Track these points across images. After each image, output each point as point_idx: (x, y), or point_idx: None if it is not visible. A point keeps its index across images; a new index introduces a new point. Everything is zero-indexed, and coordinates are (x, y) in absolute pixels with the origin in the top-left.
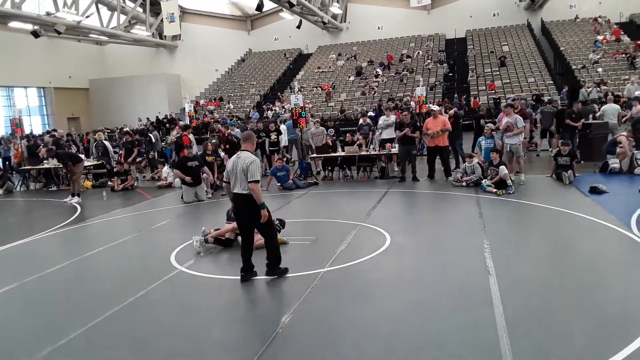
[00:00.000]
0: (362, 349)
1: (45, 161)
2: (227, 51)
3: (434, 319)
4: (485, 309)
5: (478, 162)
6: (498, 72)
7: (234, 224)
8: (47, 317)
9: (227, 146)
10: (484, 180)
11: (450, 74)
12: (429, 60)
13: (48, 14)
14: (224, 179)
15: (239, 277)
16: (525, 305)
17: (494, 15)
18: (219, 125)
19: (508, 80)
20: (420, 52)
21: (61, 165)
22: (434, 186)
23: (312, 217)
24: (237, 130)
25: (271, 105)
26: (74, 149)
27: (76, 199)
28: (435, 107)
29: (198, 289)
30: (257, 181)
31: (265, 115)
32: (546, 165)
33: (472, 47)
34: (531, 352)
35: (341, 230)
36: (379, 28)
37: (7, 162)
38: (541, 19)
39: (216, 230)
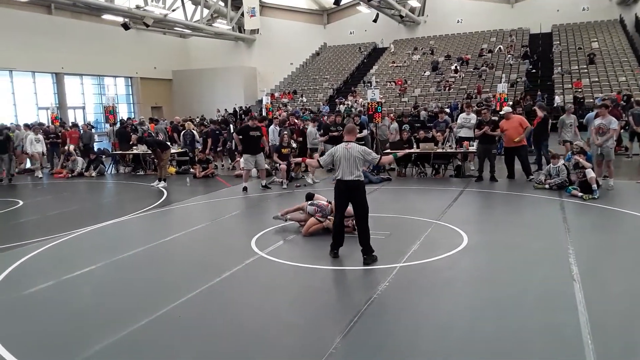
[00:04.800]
0: (440, 340)
1: (134, 147)
2: (303, 45)
3: (513, 318)
4: (569, 313)
5: (564, 164)
6: (586, 70)
7: (312, 220)
8: (140, 292)
9: (300, 138)
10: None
11: (534, 71)
12: (509, 56)
13: (138, 7)
14: (321, 165)
15: (317, 266)
16: (612, 312)
17: (584, 9)
18: (295, 118)
19: (596, 79)
20: (502, 47)
21: (150, 152)
22: (514, 187)
23: (385, 213)
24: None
25: (343, 100)
26: (161, 137)
27: (162, 183)
28: (506, 109)
29: (278, 274)
30: (379, 157)
31: (337, 109)
32: (636, 171)
33: (558, 42)
34: (617, 358)
35: (416, 227)
36: (458, 22)
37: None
38: (635, 14)
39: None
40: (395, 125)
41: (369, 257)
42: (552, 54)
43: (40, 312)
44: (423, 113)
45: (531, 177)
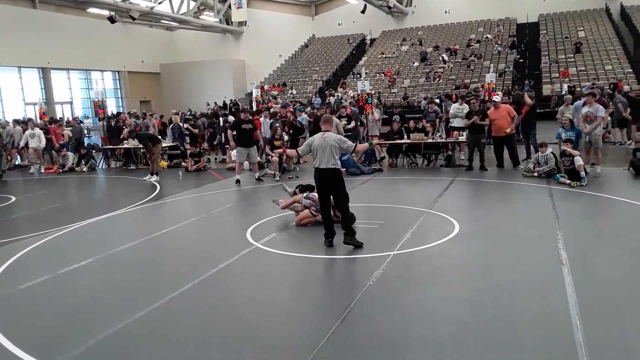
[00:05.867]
0: (433, 327)
1: (125, 141)
2: (291, 37)
3: (505, 304)
4: (559, 298)
5: (552, 152)
6: (573, 59)
7: (306, 212)
8: (137, 284)
9: (291, 131)
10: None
11: (521, 60)
12: (497, 46)
13: (124, 0)
14: (300, 155)
15: (313, 255)
16: (600, 296)
17: None
18: (287, 111)
19: (583, 68)
20: (489, 36)
21: (141, 146)
22: (503, 176)
23: (378, 203)
24: (304, 115)
25: (333, 91)
26: (151, 131)
27: (155, 177)
28: (496, 97)
29: (274, 265)
30: (355, 145)
31: (327, 101)
32: (622, 158)
33: (545, 32)
34: (605, 341)
35: (408, 216)
36: (446, 12)
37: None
38: (620, 3)
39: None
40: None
41: (348, 236)
42: (539, 44)
43: (36, 307)
44: (423, 102)
45: (519, 165)
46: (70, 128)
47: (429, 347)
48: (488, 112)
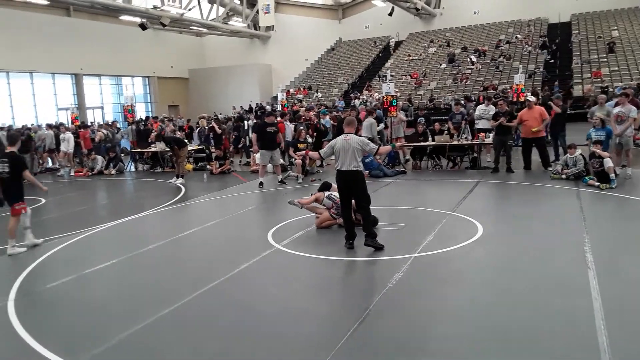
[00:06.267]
0: (453, 329)
1: (152, 145)
2: (318, 41)
3: (526, 306)
4: (582, 300)
5: (581, 154)
6: (605, 59)
7: (326, 214)
8: (161, 284)
9: (315, 134)
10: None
11: (552, 61)
12: (527, 46)
13: (155, 7)
14: (322, 157)
15: (333, 257)
16: (626, 300)
17: None
18: (310, 114)
19: (616, 68)
20: (519, 37)
21: (168, 149)
22: (530, 178)
23: (400, 205)
24: (327, 119)
25: (359, 94)
26: (178, 134)
27: (180, 180)
28: (531, 97)
29: (294, 266)
30: (377, 148)
31: (352, 103)
32: None
33: (577, 31)
34: (631, 345)
35: (430, 219)
36: (475, 13)
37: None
38: None
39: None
40: (370, 121)
41: (369, 238)
42: (570, 44)
43: (61, 305)
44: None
45: (549, 168)
46: (106, 131)
47: (448, 350)
48: (520, 112)
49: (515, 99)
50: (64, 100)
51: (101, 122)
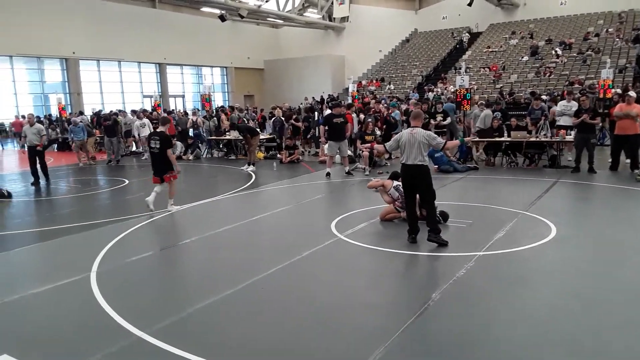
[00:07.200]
0: (513, 329)
1: (227, 133)
2: (392, 32)
3: (595, 311)
4: None
5: None
6: None
7: (390, 207)
8: (228, 265)
9: (385, 126)
10: None
11: None
12: (618, 40)
13: None
14: (387, 150)
15: (395, 250)
16: None
17: None
18: (380, 106)
19: None
20: (611, 30)
21: (241, 137)
22: (615, 180)
23: (469, 202)
24: (397, 112)
25: (433, 87)
26: (251, 124)
27: (252, 167)
28: (632, 93)
29: (355, 256)
30: (445, 142)
31: (425, 96)
32: None
33: None
34: None
35: (501, 217)
36: (562, 4)
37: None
38: None
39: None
40: (486, 112)
41: (432, 233)
42: None
43: (138, 279)
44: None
45: (636, 170)
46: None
47: (506, 350)
48: (618, 105)
49: (601, 95)
50: (149, 87)
51: (180, 110)
